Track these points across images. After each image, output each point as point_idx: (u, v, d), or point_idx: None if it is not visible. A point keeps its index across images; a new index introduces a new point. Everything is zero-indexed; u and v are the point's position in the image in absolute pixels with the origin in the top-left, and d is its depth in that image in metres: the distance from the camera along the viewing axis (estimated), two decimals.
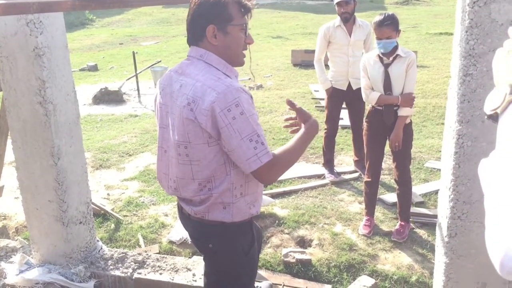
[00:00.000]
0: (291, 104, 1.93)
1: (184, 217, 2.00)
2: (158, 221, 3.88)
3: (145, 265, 3.02)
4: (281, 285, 2.98)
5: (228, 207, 1.85)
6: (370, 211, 3.65)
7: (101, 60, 12.60)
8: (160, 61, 10.20)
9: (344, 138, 5.50)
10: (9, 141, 3.25)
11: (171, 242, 3.55)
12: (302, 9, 20.78)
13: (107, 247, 3.35)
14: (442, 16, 16.40)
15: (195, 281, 2.84)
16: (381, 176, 3.90)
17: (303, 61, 9.75)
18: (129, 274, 2.94)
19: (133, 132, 6.29)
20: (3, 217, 4.06)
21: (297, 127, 2.01)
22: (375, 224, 3.67)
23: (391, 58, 3.30)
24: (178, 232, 3.57)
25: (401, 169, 3.48)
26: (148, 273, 2.94)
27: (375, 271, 3.14)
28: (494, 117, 0.90)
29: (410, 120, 3.46)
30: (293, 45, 12.01)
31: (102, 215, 3.95)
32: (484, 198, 0.83)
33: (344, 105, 4.55)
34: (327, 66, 4.48)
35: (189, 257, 3.26)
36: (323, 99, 5.85)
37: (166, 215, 3.99)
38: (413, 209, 3.75)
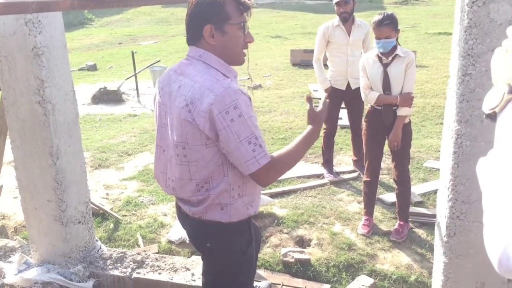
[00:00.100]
0: (309, 100, 2.00)
1: (182, 216, 2.00)
2: (157, 220, 3.88)
3: (144, 265, 3.02)
4: (280, 284, 2.98)
5: (225, 208, 1.85)
6: (369, 211, 3.65)
7: (100, 59, 12.60)
8: (159, 60, 10.20)
9: (343, 138, 5.50)
10: (8, 141, 3.25)
11: (170, 241, 3.55)
12: (301, 8, 20.79)
13: (106, 246, 3.34)
14: (441, 16, 16.42)
15: (194, 280, 2.84)
16: (380, 176, 3.90)
17: (302, 60, 9.76)
18: (128, 273, 2.94)
19: (132, 131, 6.29)
20: (1, 217, 4.05)
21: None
22: (374, 223, 3.67)
23: (390, 58, 3.30)
24: (177, 231, 3.57)
25: (400, 169, 3.48)
26: (147, 272, 2.94)
27: (374, 271, 3.14)
28: (493, 116, 0.90)
29: (409, 119, 3.46)
30: (292, 45, 12.01)
31: (101, 215, 3.95)
32: (482, 197, 0.84)
33: (343, 105, 4.56)
34: (326, 66, 4.48)
35: (188, 257, 3.26)
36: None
37: (165, 215, 3.99)
38: (412, 209, 3.75)
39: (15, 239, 3.54)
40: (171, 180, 1.92)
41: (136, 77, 8.78)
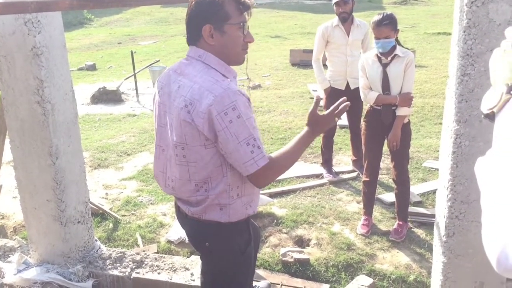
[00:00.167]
0: (316, 101, 1.89)
1: (181, 216, 2.00)
2: (156, 220, 3.88)
3: (143, 265, 3.02)
4: (279, 284, 2.98)
5: (224, 208, 1.85)
6: (368, 211, 3.66)
7: (100, 59, 12.59)
8: (159, 60, 10.19)
9: (342, 138, 5.50)
10: (7, 141, 3.25)
11: (169, 241, 3.55)
12: (300, 8, 20.79)
13: (105, 246, 3.34)
14: (440, 16, 16.42)
15: (193, 280, 2.84)
16: (379, 176, 3.91)
17: (302, 60, 9.76)
18: (127, 273, 2.94)
19: (131, 131, 6.28)
20: (1, 217, 4.05)
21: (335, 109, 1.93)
22: (373, 223, 3.67)
23: (389, 58, 3.30)
24: (177, 231, 3.57)
25: (399, 169, 3.49)
26: (146, 272, 2.94)
27: (373, 271, 3.14)
28: (491, 116, 0.90)
29: (408, 119, 3.46)
30: (291, 45, 12.01)
31: (100, 215, 3.95)
32: (481, 197, 0.84)
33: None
34: (325, 65, 4.48)
35: (187, 257, 3.26)
36: (321, 98, 5.86)
37: (165, 215, 3.99)
38: (411, 209, 3.76)
39: (14, 239, 3.54)
40: (170, 180, 1.92)
41: (135, 77, 8.78)
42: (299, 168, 4.69)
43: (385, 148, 3.56)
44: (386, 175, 4.47)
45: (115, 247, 3.48)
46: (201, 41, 1.78)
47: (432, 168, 4.60)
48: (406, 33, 12.66)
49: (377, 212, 3.85)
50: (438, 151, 4.31)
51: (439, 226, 2.21)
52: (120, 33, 17.45)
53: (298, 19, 17.81)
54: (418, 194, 4.09)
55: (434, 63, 9.34)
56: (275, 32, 15.13)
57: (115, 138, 6.03)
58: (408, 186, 3.55)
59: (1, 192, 4.06)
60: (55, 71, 2.73)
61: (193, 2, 1.76)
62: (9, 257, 3.21)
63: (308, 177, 4.59)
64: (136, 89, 8.65)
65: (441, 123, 2.38)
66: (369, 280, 2.96)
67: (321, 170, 4.65)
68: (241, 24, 1.77)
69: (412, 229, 3.62)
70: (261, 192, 2.17)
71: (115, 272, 2.96)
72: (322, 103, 4.93)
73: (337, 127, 4.92)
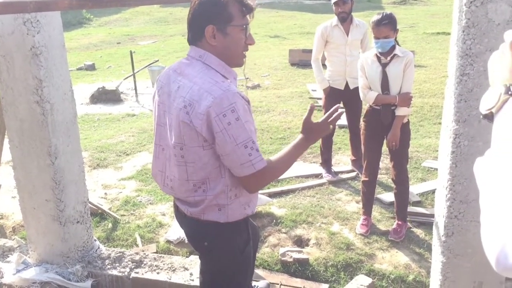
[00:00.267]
0: (310, 109, 1.91)
1: (180, 216, 2.01)
2: (156, 220, 3.88)
3: (143, 265, 3.02)
4: (278, 284, 2.98)
5: (223, 209, 1.85)
6: (367, 211, 3.66)
7: (99, 59, 12.58)
8: (158, 60, 10.19)
9: (341, 138, 5.51)
10: (6, 140, 3.24)
11: (168, 241, 3.55)
12: (299, 8, 20.78)
13: (105, 246, 3.34)
14: (439, 16, 16.43)
15: (193, 280, 2.84)
16: (379, 176, 3.91)
17: (301, 60, 9.76)
18: (126, 273, 2.94)
19: (130, 131, 6.28)
20: (0, 217, 4.05)
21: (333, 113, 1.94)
22: (372, 223, 3.68)
23: (388, 58, 3.30)
24: (176, 231, 3.57)
25: (398, 169, 3.49)
26: (146, 272, 2.94)
27: (372, 271, 3.15)
28: (490, 117, 0.90)
29: (408, 119, 3.46)
30: (290, 45, 12.01)
31: (99, 215, 3.95)
32: (480, 196, 0.84)
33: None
34: (324, 65, 4.48)
35: (187, 257, 3.26)
36: (320, 98, 5.86)
37: (164, 215, 3.99)
38: (410, 209, 3.76)
39: (13, 239, 3.54)
40: (169, 179, 1.92)
41: (134, 77, 8.77)
42: (298, 168, 4.70)
43: (384, 148, 3.56)
44: (385, 175, 4.47)
45: (114, 247, 3.48)
46: (202, 41, 1.78)
47: (431, 168, 4.61)
48: (405, 33, 12.67)
49: (376, 212, 3.85)
50: (437, 151, 4.31)
51: (438, 225, 2.21)
52: (119, 33, 17.44)
53: (297, 19, 17.81)
54: (417, 194, 4.09)
55: (433, 63, 9.34)
56: (274, 32, 15.12)
57: (114, 138, 6.03)
58: (407, 186, 3.56)
59: (0, 192, 4.06)
60: (54, 71, 2.73)
61: (197, 2, 1.74)
62: (8, 257, 3.21)
63: (307, 177, 4.59)
64: (135, 89, 8.65)
65: (440, 123, 2.39)
66: (368, 280, 2.96)
67: (320, 170, 4.65)
68: (244, 26, 1.77)
69: (411, 229, 3.62)
70: (260, 192, 2.17)
71: (114, 272, 2.96)
72: (321, 102, 4.94)
73: (337, 127, 4.91)
